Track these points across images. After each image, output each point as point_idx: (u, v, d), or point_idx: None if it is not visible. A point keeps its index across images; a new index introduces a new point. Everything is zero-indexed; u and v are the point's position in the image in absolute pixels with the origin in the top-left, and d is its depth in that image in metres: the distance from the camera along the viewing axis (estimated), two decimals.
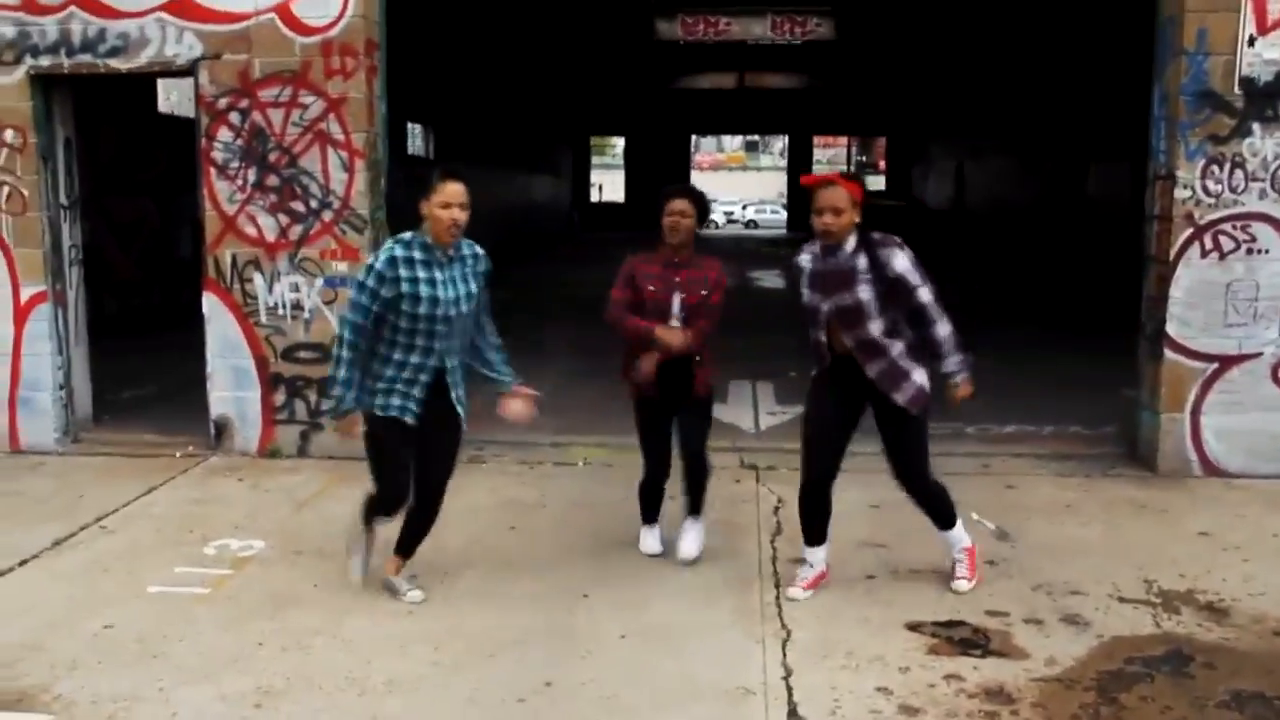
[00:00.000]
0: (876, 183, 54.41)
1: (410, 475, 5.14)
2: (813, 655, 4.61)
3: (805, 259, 5.20)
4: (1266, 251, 7.17)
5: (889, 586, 5.44)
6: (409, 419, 5.02)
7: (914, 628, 4.89)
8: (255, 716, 4.18)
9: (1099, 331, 8.75)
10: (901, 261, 4.99)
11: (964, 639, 4.83)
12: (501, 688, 4.38)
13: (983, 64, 26.05)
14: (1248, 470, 7.35)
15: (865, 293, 4.96)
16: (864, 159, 63.77)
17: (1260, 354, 7.29)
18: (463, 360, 5.19)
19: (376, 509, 5.30)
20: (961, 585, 5.36)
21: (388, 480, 5.16)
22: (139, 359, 10.79)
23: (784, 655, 4.63)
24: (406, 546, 5.34)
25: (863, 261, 4.99)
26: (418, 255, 4.96)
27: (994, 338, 14.30)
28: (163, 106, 17.27)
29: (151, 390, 9.90)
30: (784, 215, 53.00)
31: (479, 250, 5.18)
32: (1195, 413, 7.37)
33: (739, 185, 69.83)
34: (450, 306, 4.96)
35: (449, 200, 4.93)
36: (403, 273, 4.90)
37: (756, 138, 76.77)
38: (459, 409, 5.18)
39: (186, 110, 18.49)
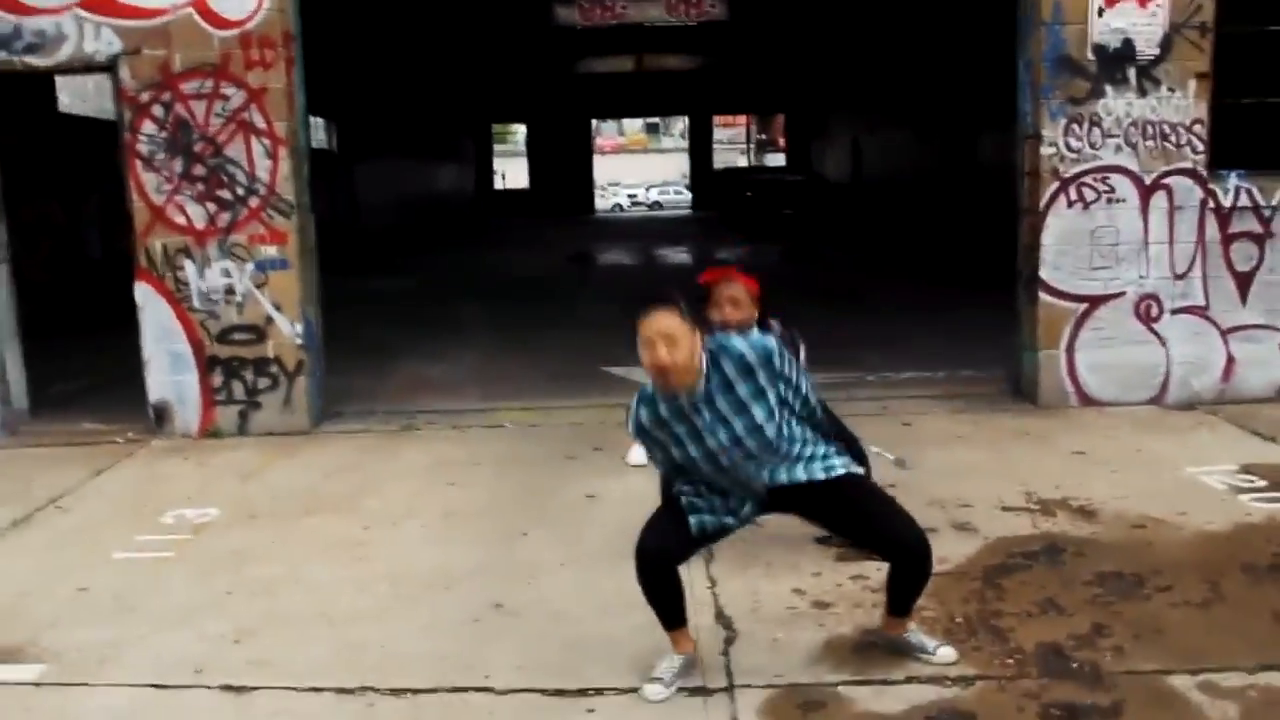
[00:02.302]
0: (777, 159, 55.39)
1: None
2: (734, 568, 5.15)
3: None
4: (1124, 200, 7.90)
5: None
6: None
7: (823, 541, 5.45)
8: (236, 651, 4.61)
9: (988, 285, 9.42)
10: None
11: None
12: (457, 612, 4.88)
13: (874, 40, 26.88)
14: (1118, 399, 8.07)
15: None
16: (764, 136, 64.61)
17: (1124, 293, 8.02)
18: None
19: None
20: None
21: None
22: (61, 357, 11.01)
23: (708, 570, 5.16)
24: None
25: None
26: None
27: (892, 297, 15.11)
28: (63, 107, 17.30)
29: (83, 384, 10.14)
30: (688, 196, 53.78)
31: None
32: (1070, 349, 8.07)
33: (642, 168, 70.40)
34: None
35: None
36: None
37: (657, 120, 77.35)
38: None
39: (85, 109, 18.52)
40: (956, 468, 6.70)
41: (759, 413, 3.91)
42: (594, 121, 53.64)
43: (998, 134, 19.18)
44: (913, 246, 22.25)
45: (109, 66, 7.89)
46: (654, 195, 59.27)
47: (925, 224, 23.95)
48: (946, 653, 4.26)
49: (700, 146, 51.49)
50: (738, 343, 3.95)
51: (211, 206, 7.95)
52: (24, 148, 14.69)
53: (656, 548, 4.05)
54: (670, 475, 4.17)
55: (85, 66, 7.99)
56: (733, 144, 64.13)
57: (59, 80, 15.68)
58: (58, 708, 4.20)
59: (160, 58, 7.83)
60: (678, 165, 63.65)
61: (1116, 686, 4.01)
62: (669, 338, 3.75)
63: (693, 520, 4.08)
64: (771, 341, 3.98)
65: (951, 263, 18.48)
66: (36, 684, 4.39)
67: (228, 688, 4.27)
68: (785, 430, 4.02)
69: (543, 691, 4.12)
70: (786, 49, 32.41)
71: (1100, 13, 7.72)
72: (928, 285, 15.88)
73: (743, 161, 58.78)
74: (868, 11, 24.65)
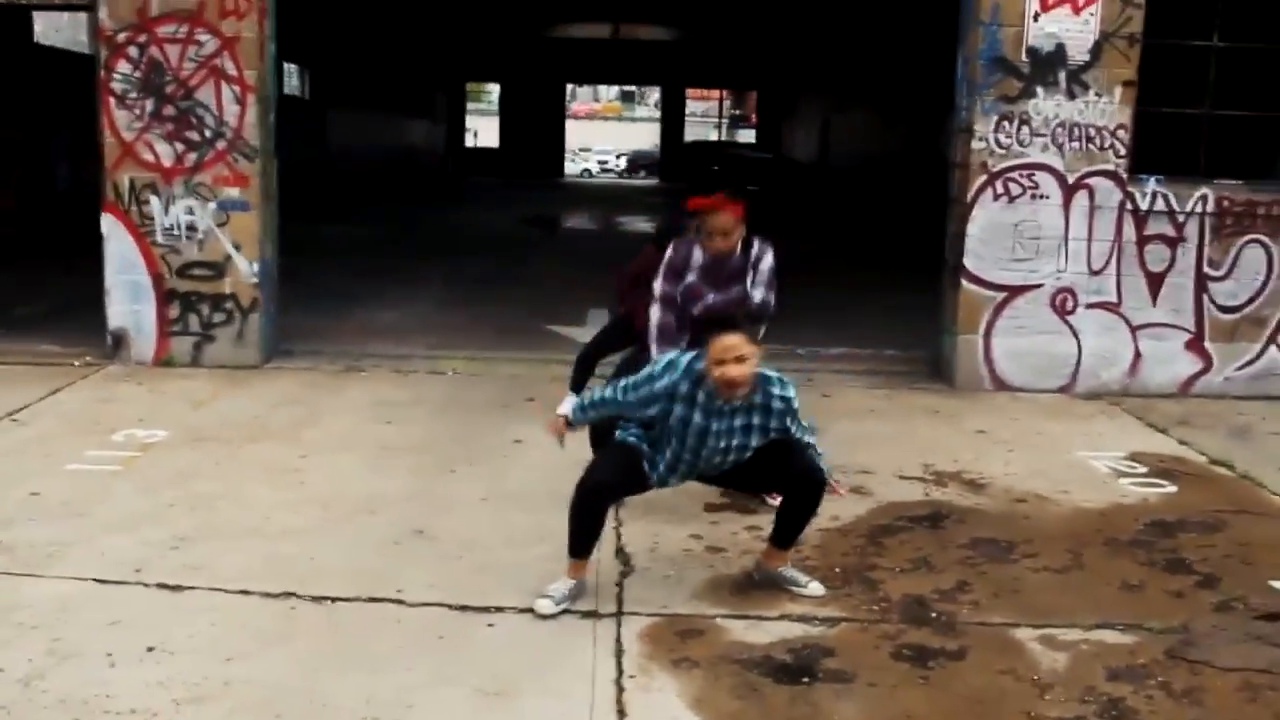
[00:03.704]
0: (749, 136, 55.71)
1: None
2: (639, 512, 5.55)
3: (696, 254, 5.74)
4: (1047, 197, 8.37)
5: None
6: None
7: (727, 494, 5.89)
8: (172, 556, 4.98)
9: (934, 270, 9.83)
10: (769, 258, 5.76)
11: (767, 504, 5.84)
12: (380, 534, 5.28)
13: (847, 22, 27.20)
14: (1030, 385, 8.56)
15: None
16: (737, 112, 64.93)
17: (1042, 285, 8.49)
18: None
19: None
20: None
21: None
22: (25, 283, 11.29)
23: (616, 513, 5.56)
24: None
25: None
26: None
27: (841, 277, 15.54)
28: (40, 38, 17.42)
29: (43, 308, 10.43)
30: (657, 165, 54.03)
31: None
32: (987, 335, 8.54)
33: (615, 135, 70.57)
34: None
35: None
36: None
37: (633, 89, 77.45)
38: None
39: (57, 40, 18.61)
40: (864, 438, 7.15)
41: (755, 441, 4.59)
42: (569, 86, 53.75)
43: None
44: (871, 229, 22.70)
45: (89, 5, 8.18)
46: (624, 163, 59.52)
47: (886, 208, 24.38)
48: (816, 587, 4.77)
49: (673, 118, 51.75)
50: (790, 390, 4.62)
51: (179, 146, 8.28)
52: None
53: (610, 481, 4.60)
54: (635, 436, 4.66)
55: (65, 4, 8.29)
56: (706, 117, 64.40)
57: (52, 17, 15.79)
58: (9, 593, 4.55)
59: (139, 1, 8.11)
60: (650, 135, 63.83)
61: (966, 634, 4.46)
62: (741, 358, 4.37)
63: (654, 476, 4.65)
64: (797, 405, 4.64)
65: (904, 247, 18.93)
66: None
67: (163, 586, 4.65)
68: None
69: (449, 606, 4.53)
70: (761, 26, 32.69)
71: (1036, 17, 8.16)
72: (878, 267, 16.34)
73: (715, 136, 59.09)
74: None
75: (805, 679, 4.03)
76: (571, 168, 55.38)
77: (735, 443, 4.57)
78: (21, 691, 3.78)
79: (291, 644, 4.19)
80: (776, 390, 4.58)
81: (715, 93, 61.78)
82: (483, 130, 53.21)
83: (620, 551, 5.14)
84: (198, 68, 8.16)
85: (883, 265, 16.53)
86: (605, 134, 70.60)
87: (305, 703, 3.77)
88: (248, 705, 3.74)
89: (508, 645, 4.23)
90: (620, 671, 4.04)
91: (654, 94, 67.47)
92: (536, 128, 46.74)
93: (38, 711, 3.67)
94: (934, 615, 4.63)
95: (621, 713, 3.77)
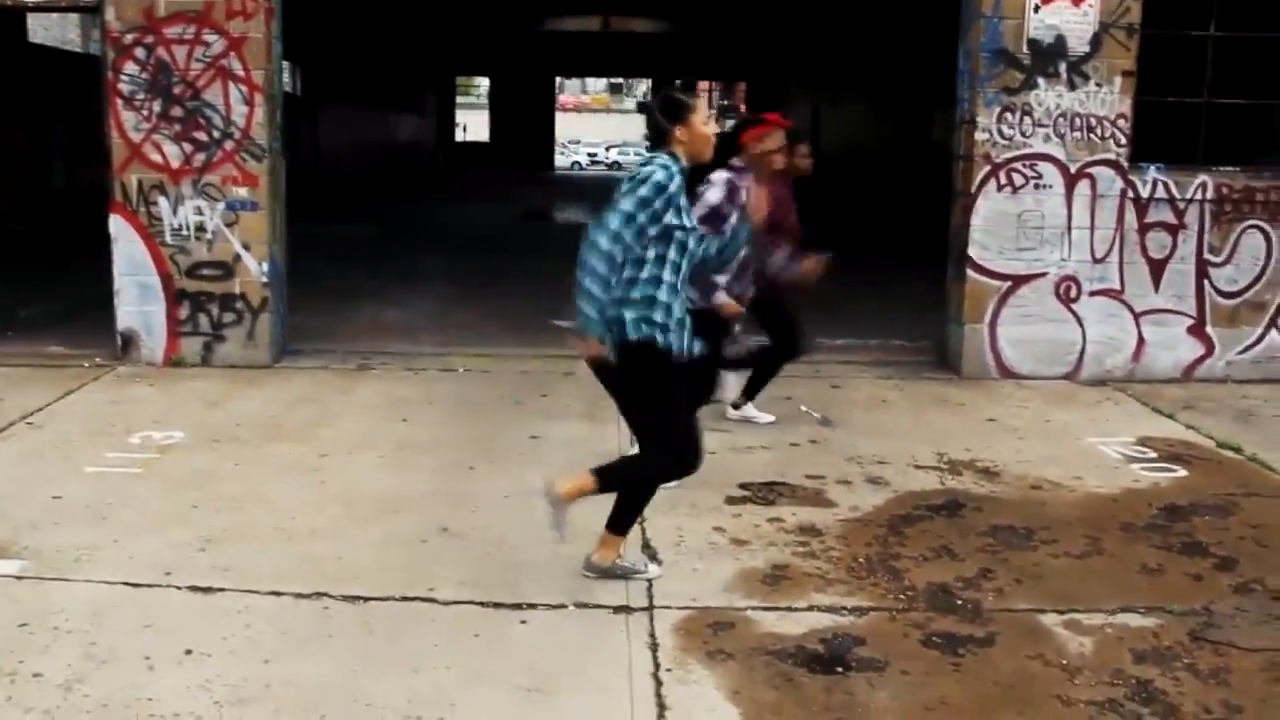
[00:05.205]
0: None
1: None
2: (663, 508, 5.57)
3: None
4: (1050, 186, 8.43)
5: (726, 459, 6.49)
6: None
7: (745, 486, 5.95)
8: (201, 558, 5.02)
9: (931, 260, 9.88)
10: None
11: (786, 495, 5.92)
12: (407, 533, 5.32)
13: (837, 12, 27.22)
14: (1035, 373, 8.63)
15: None
16: (726, 102, 64.85)
17: (1046, 273, 8.56)
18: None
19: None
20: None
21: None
22: (28, 284, 11.28)
23: None
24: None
25: None
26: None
27: (839, 267, 15.58)
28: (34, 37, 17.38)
29: (48, 309, 10.44)
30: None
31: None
32: (993, 324, 8.60)
33: (603, 127, 70.53)
34: None
35: (707, 116, 4.68)
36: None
37: (621, 80, 77.35)
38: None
39: (47, 39, 18.57)
40: (877, 429, 7.22)
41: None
42: (557, 79, 53.68)
43: (950, 114, 19.75)
44: (866, 219, 22.75)
45: (94, 7, 8.20)
46: (614, 155, 59.49)
47: (879, 198, 24.46)
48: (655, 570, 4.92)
49: None
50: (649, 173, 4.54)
51: (187, 147, 8.29)
52: None
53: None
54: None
55: (72, 6, 8.34)
56: None
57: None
58: (40, 599, 4.58)
59: (146, 2, 8.13)
60: (639, 126, 63.78)
61: (993, 621, 4.53)
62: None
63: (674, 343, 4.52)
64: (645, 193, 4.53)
65: (900, 237, 19.01)
66: (18, 577, 4.78)
67: (195, 588, 4.68)
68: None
69: (481, 604, 4.58)
70: (751, 16, 32.67)
71: (1036, 9, 8.22)
72: (871, 257, 16.37)
73: None
74: None
75: (839, 668, 4.09)
76: (561, 160, 55.33)
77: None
78: (64, 697, 3.80)
79: (328, 644, 4.23)
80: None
81: (703, 83, 61.70)
82: (472, 124, 53.13)
83: (647, 546, 5.19)
84: (205, 68, 8.18)
85: (876, 255, 16.57)
86: (593, 126, 70.57)
87: (348, 703, 3.81)
88: (291, 706, 3.78)
89: (542, 641, 4.28)
90: (657, 665, 4.09)
91: (642, 85, 67.42)
92: (526, 121, 46.68)
93: (80, 716, 3.70)
94: (960, 603, 4.69)
95: (662, 705, 3.83)
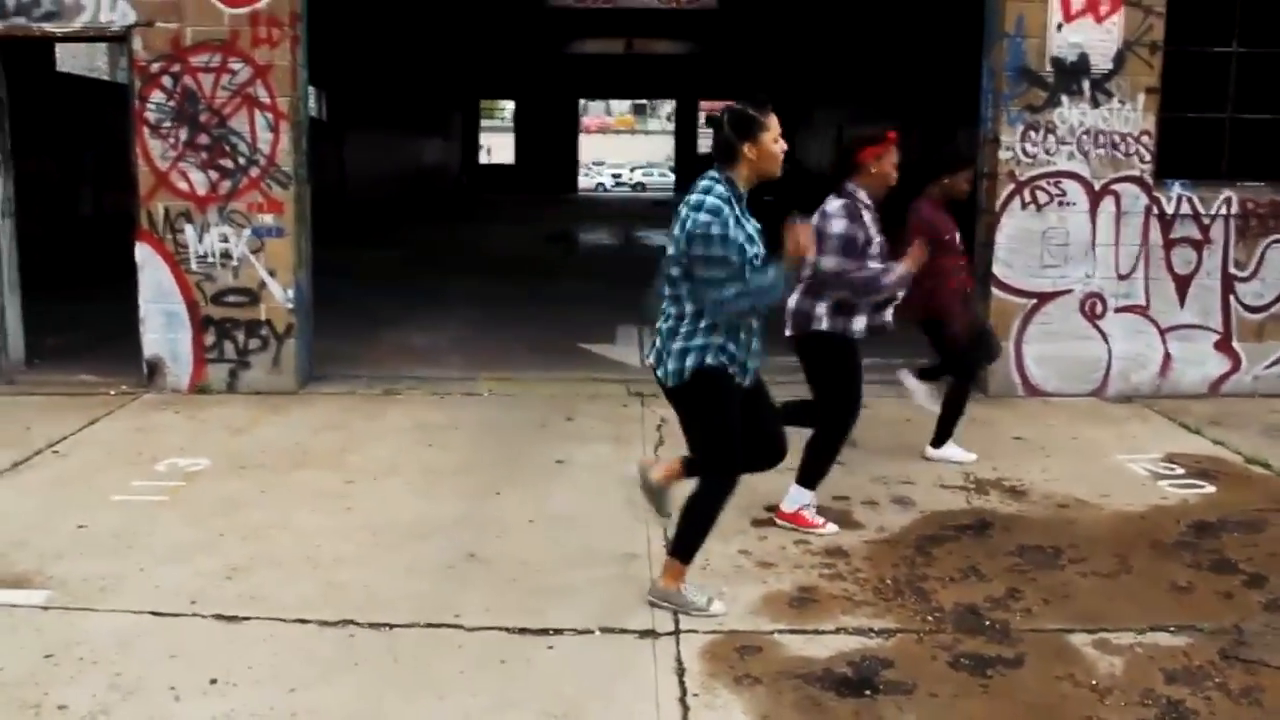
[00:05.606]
0: None
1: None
2: None
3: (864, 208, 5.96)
4: (1074, 204, 8.40)
5: (751, 480, 6.44)
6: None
7: (772, 509, 5.92)
8: (228, 586, 5.04)
9: None
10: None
11: None
12: (433, 559, 5.33)
13: (861, 33, 27.26)
14: (1061, 390, 8.58)
15: None
16: None
17: (1071, 290, 8.52)
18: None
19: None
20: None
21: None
22: (53, 311, 11.35)
23: (665, 531, 5.60)
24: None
25: None
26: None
27: None
28: (62, 66, 17.57)
29: (76, 337, 10.51)
30: (672, 178, 54.07)
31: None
32: (1018, 342, 8.56)
33: (627, 149, 70.77)
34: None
35: (778, 133, 4.59)
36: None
37: (645, 102, 77.61)
38: None
39: (74, 67, 18.75)
40: (903, 449, 7.18)
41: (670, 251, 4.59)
42: (582, 101, 53.89)
43: (974, 133, 19.72)
44: (890, 238, 22.71)
45: (122, 37, 8.27)
46: (638, 176, 59.67)
47: (901, 217, 24.38)
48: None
49: (686, 130, 51.81)
50: (697, 201, 4.51)
51: (213, 174, 8.36)
52: (22, 105, 15.03)
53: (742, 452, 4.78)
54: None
55: (99, 35, 8.37)
56: None
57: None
58: (65, 629, 4.60)
59: (172, 31, 8.21)
60: (663, 147, 64.01)
61: (1022, 641, 4.50)
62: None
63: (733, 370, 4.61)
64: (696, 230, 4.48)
65: None
66: (44, 608, 4.80)
67: (220, 616, 4.70)
68: None
69: (508, 630, 4.58)
70: (775, 37, 32.75)
71: (1059, 27, 8.21)
72: None
73: None
74: (856, 4, 25.03)
75: (867, 691, 4.07)
76: (585, 182, 55.52)
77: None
78: None
79: (354, 672, 4.24)
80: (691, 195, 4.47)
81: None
82: (496, 147, 53.38)
83: None
84: (231, 96, 8.25)
85: None
86: (618, 147, 70.80)
87: None
88: None
89: (569, 667, 4.27)
90: (684, 690, 4.08)
91: (666, 106, 67.56)
92: (551, 143, 46.86)
93: None
94: (988, 624, 4.66)
95: None
